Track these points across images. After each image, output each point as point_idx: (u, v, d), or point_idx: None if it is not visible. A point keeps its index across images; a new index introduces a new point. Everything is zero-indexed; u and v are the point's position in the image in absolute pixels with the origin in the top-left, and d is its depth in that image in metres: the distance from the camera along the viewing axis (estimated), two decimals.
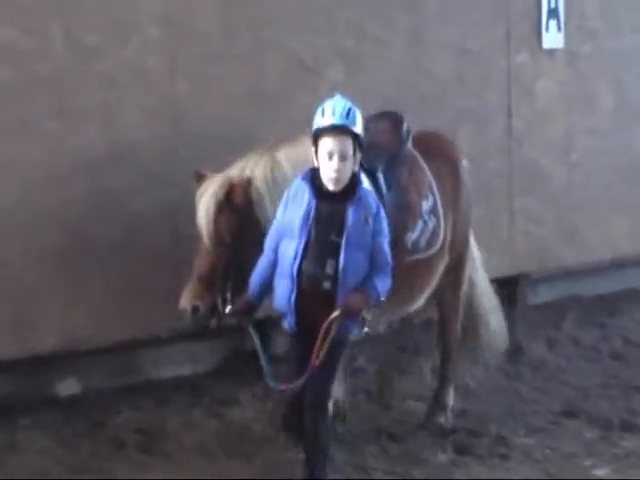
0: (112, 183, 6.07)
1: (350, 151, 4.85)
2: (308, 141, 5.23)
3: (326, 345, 4.83)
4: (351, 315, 4.88)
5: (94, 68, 6.25)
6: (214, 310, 5.25)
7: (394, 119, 6.08)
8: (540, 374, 7.49)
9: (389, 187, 5.76)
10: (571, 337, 8.22)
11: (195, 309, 5.16)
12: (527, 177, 8.29)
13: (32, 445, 5.72)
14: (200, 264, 5.29)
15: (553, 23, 8.35)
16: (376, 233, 4.95)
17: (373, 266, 4.94)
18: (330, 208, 4.92)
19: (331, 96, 4.98)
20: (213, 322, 5.33)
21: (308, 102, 6.74)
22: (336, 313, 4.82)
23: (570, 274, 9.02)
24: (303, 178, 4.96)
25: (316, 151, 4.90)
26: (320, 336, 4.79)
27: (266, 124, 6.71)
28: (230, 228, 5.27)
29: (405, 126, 5.97)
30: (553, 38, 8.38)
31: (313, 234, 4.90)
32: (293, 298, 4.89)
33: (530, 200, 8.38)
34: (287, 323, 4.98)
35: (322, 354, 4.81)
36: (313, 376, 4.86)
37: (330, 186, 4.86)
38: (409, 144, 5.99)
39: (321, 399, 5.02)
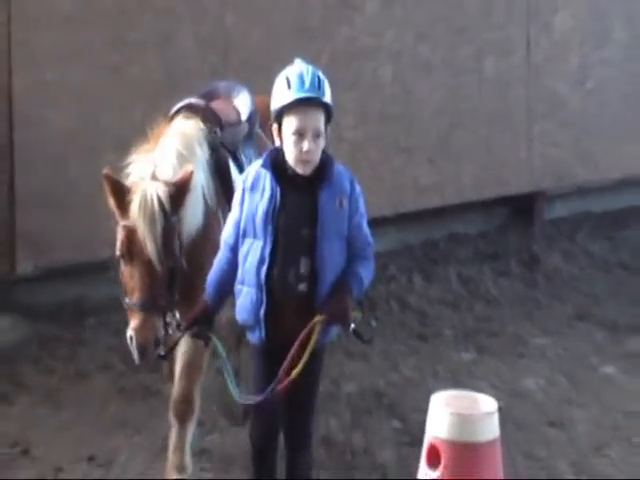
0: (168, 108, 5.96)
1: (323, 127, 3.81)
2: (190, 127, 4.61)
3: (305, 357, 3.82)
4: (338, 322, 3.89)
5: (153, 1, 6.23)
6: (166, 331, 4.22)
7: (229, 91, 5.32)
8: (555, 282, 7.63)
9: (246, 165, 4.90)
10: (583, 249, 8.32)
11: (156, 339, 4.10)
12: (545, 104, 8.31)
13: (99, 341, 5.82)
14: (146, 287, 4.11)
15: None
16: (352, 214, 3.93)
17: (353, 252, 3.95)
18: (298, 196, 3.91)
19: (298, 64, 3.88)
20: (164, 350, 4.24)
21: (347, 35, 6.87)
22: (318, 318, 3.82)
23: (583, 192, 9.00)
24: (263, 164, 3.93)
25: (279, 130, 3.86)
26: (296, 346, 3.79)
27: (310, 55, 6.49)
28: (174, 238, 4.25)
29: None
30: None
31: (281, 230, 3.89)
32: (263, 310, 3.89)
33: (548, 125, 8.35)
34: (255, 336, 3.96)
35: (299, 368, 3.78)
36: (292, 409, 3.95)
37: (300, 170, 3.83)
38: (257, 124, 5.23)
39: (305, 439, 4.03)
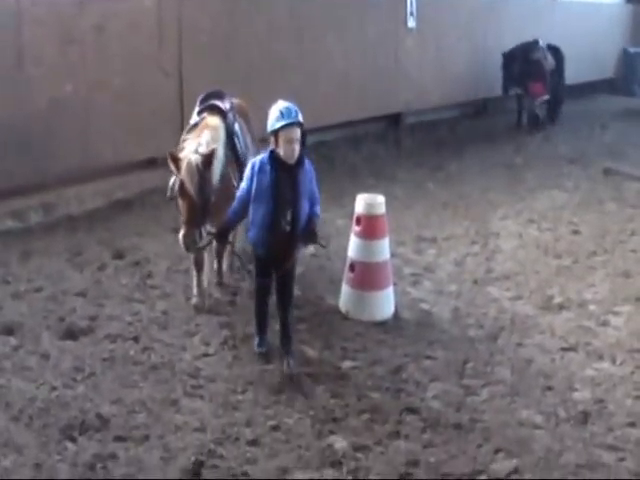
0: None
1: (299, 136, 4.50)
2: (217, 126, 5.26)
3: (292, 258, 4.71)
4: (310, 242, 4.77)
5: None
6: (200, 237, 4.88)
7: (222, 96, 5.77)
8: (409, 150, 10.67)
9: (238, 137, 5.61)
10: (420, 137, 11.32)
11: (194, 242, 4.80)
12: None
13: None
14: (190, 213, 4.80)
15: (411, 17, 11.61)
16: (312, 182, 4.69)
17: (312, 201, 4.67)
18: (286, 176, 4.54)
19: (279, 100, 4.60)
20: (202, 243, 4.96)
21: None
22: (302, 240, 4.68)
23: (420, 111, 11.80)
24: (267, 159, 4.54)
25: (276, 140, 4.50)
26: (288, 255, 4.66)
27: None
28: (207, 185, 4.86)
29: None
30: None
31: (277, 196, 4.50)
32: (266, 239, 4.60)
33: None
34: (260, 252, 4.73)
35: (289, 264, 4.70)
36: (284, 276, 4.78)
37: (289, 161, 4.50)
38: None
39: (290, 289, 4.90)
